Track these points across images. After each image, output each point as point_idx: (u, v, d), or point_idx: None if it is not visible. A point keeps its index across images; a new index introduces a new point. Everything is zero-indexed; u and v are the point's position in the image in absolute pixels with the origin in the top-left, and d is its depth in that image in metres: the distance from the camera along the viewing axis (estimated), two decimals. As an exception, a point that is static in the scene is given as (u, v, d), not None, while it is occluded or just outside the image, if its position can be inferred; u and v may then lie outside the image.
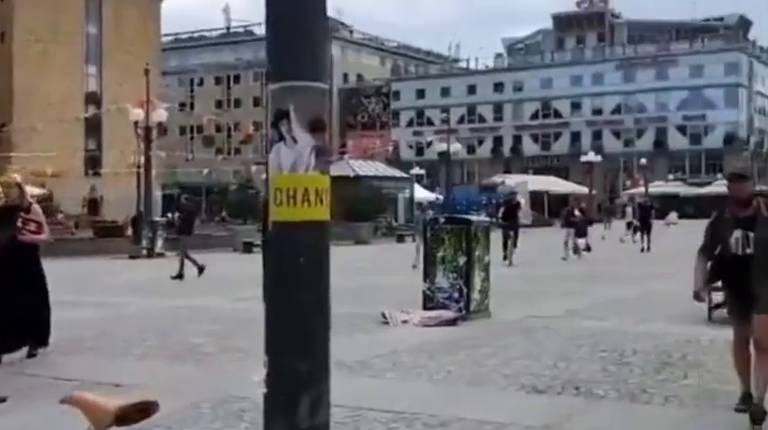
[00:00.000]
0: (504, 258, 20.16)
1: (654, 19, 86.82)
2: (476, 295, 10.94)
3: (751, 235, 5.54)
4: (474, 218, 12.26)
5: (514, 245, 21.16)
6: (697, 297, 5.95)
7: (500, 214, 22.92)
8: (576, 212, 25.40)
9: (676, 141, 77.71)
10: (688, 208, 55.49)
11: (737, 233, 5.60)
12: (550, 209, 55.10)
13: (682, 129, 77.96)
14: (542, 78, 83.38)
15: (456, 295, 10.78)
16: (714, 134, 76.09)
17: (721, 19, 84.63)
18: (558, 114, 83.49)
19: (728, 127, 75.64)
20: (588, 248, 25.03)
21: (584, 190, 59.12)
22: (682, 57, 77.87)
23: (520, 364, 7.84)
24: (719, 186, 56.02)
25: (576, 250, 24.26)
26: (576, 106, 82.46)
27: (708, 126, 76.88)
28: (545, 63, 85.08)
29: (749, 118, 77.82)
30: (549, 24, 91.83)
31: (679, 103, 77.61)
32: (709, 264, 5.88)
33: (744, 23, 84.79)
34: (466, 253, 10.82)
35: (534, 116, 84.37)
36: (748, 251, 5.56)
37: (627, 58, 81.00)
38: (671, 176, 75.41)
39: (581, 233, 24.27)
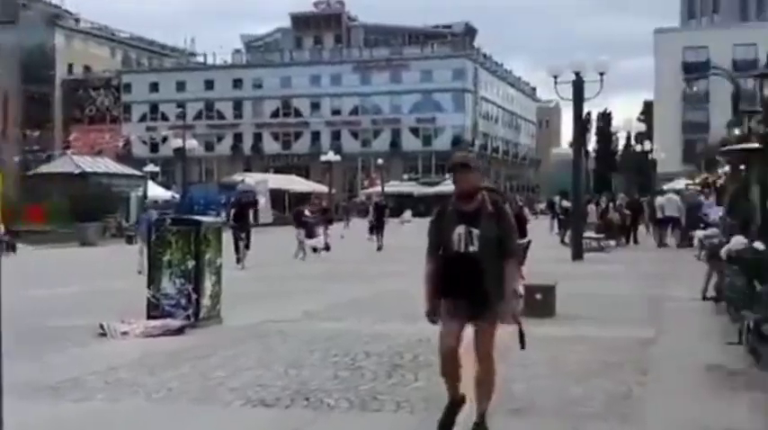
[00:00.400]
0: (238, 261, 19.47)
1: (388, 23, 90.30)
2: (206, 301, 10.30)
3: (475, 231, 5.07)
4: (204, 218, 11.54)
5: (247, 246, 20.26)
6: (430, 317, 5.28)
7: (231, 214, 21.68)
8: (307, 212, 25.36)
9: (410, 142, 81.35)
10: (421, 206, 58.08)
11: (460, 229, 5.09)
12: (291, 207, 55.24)
13: (414, 131, 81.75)
14: (282, 77, 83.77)
15: (184, 302, 10.08)
16: (443, 136, 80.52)
17: (449, 26, 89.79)
18: (298, 113, 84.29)
19: (456, 130, 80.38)
20: (327, 247, 25.11)
21: (325, 188, 60.02)
22: (414, 61, 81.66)
23: (250, 375, 7.37)
24: (448, 185, 59.49)
25: (315, 250, 24.27)
26: (315, 106, 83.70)
27: (437, 128, 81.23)
28: (284, 62, 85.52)
29: (474, 122, 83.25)
30: (287, 23, 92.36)
31: (412, 105, 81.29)
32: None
33: (470, 31, 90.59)
34: (195, 256, 10.15)
35: (275, 114, 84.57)
36: (471, 249, 5.08)
37: (363, 60, 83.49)
38: (405, 176, 78.77)
39: (311, 234, 24.08)
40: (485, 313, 5.08)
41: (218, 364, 7.93)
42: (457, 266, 5.12)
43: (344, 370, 7.53)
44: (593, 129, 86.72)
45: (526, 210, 22.97)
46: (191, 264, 10.12)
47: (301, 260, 22.50)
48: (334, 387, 6.85)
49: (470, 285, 5.07)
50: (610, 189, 51.48)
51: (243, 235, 20.07)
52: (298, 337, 9.41)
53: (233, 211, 21.82)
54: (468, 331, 5.19)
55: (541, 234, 27.43)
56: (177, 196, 45.85)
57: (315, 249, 24.48)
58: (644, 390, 6.72)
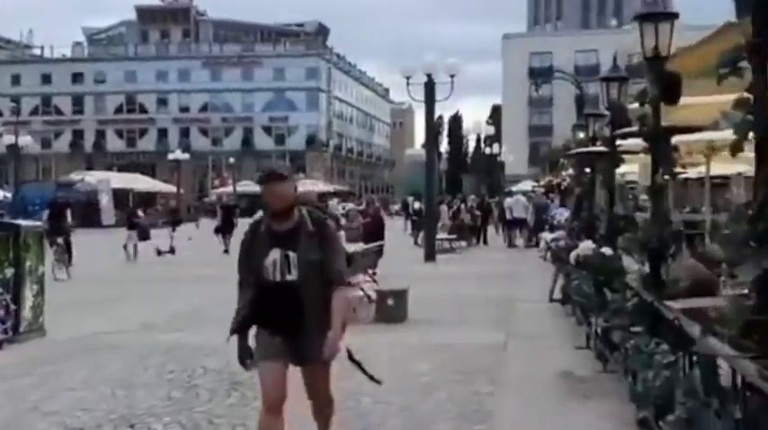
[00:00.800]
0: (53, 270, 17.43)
1: (238, 19, 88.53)
2: (27, 313, 9.38)
3: (292, 255, 4.25)
4: (24, 222, 10.49)
5: (69, 256, 18.10)
6: (242, 362, 4.38)
7: (45, 216, 18.67)
8: (140, 213, 24.28)
9: (263, 141, 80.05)
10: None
11: (274, 253, 4.26)
12: (137, 208, 53.01)
13: (267, 130, 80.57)
14: (126, 71, 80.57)
15: (1, 314, 9.10)
16: (297, 135, 79.82)
17: (302, 25, 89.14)
18: (143, 109, 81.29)
19: (310, 129, 79.87)
20: (172, 250, 24.07)
21: (173, 188, 58.01)
22: (266, 59, 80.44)
23: (71, 397, 6.65)
24: (304, 185, 59.13)
25: (160, 252, 23.25)
26: (162, 102, 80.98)
27: (291, 127, 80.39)
28: (129, 56, 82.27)
29: (328, 121, 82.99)
30: (132, 16, 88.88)
31: (264, 104, 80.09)
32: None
33: (322, 30, 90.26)
34: (14, 263, 9.18)
35: (118, 110, 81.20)
36: (289, 277, 4.24)
37: (213, 56, 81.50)
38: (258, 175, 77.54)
39: (144, 236, 22.93)
40: (311, 355, 4.26)
41: (35, 384, 7.16)
42: (272, 299, 4.29)
43: (179, 389, 6.92)
44: (446, 132, 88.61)
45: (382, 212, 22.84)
46: (9, 272, 9.16)
47: (129, 262, 21.41)
48: (166, 409, 6.24)
49: (290, 322, 4.24)
50: (461, 190, 52.47)
51: (60, 239, 17.90)
52: (131, 351, 8.70)
53: (47, 212, 19.20)
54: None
55: (396, 235, 27.42)
56: (9, 196, 42.95)
57: (159, 252, 23.43)
58: (495, 402, 6.48)
